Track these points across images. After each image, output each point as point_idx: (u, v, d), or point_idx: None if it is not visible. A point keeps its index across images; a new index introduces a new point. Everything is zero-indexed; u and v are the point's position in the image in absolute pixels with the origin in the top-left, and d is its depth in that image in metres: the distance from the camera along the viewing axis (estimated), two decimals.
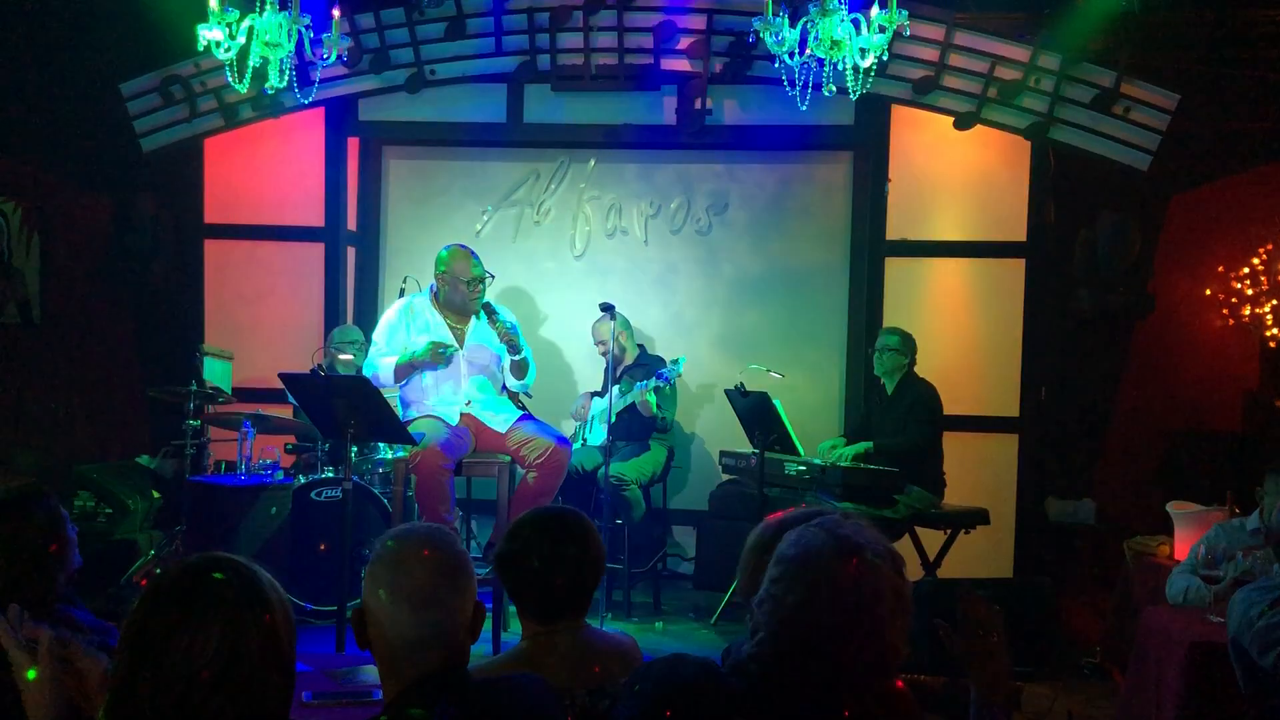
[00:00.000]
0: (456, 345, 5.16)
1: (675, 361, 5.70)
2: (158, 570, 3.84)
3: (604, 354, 5.88)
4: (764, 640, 1.62)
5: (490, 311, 5.18)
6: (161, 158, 6.50)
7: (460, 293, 5.16)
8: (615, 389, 5.65)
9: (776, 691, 1.60)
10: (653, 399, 5.72)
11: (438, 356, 5.01)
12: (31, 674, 1.93)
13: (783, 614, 1.59)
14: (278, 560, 5.14)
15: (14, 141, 6.86)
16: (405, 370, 5.08)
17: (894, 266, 6.33)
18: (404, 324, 5.22)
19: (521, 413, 5.38)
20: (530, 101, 6.46)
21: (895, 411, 5.55)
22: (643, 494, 5.77)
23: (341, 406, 4.26)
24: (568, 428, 6.11)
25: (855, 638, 1.56)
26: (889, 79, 5.81)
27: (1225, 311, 6.57)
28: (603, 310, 5.46)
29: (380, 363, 5.12)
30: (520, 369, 5.27)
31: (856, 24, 4.56)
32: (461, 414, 5.18)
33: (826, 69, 4.78)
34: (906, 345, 5.63)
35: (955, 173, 6.26)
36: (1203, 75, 6.13)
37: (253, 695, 1.42)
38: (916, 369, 5.67)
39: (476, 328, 5.28)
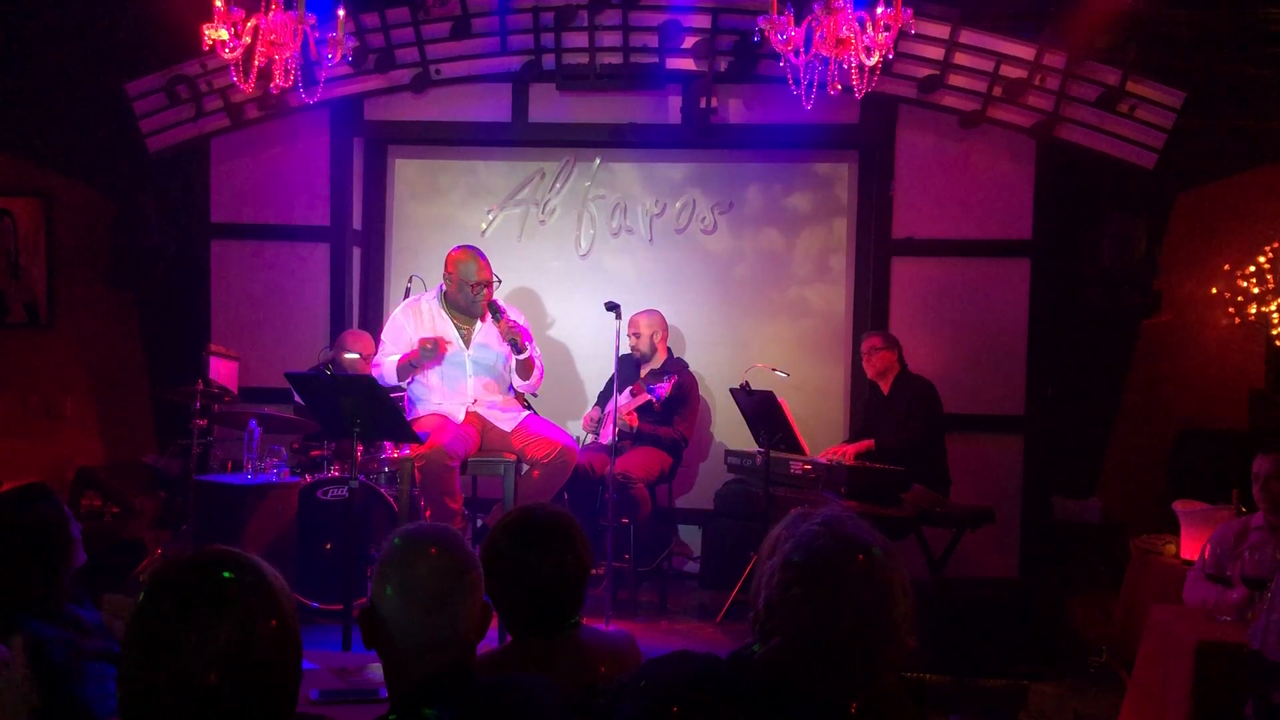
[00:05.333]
0: (462, 345, 5.18)
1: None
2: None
3: (635, 348, 6.01)
4: (781, 645, 1.61)
5: (496, 311, 5.18)
6: (167, 157, 6.50)
7: (466, 294, 5.17)
8: (628, 391, 5.66)
9: (785, 690, 1.59)
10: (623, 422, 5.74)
11: (429, 353, 5.06)
12: None
13: (801, 620, 1.59)
14: (284, 559, 5.14)
15: (21, 141, 6.88)
16: (407, 370, 5.15)
17: (899, 265, 6.32)
18: (410, 324, 5.24)
19: (528, 413, 5.38)
20: (535, 101, 6.46)
21: (895, 410, 5.55)
22: (649, 492, 5.77)
23: (347, 406, 4.26)
24: (574, 428, 6.10)
25: (873, 636, 1.57)
26: (894, 77, 5.81)
27: (1231, 310, 6.55)
28: (608, 309, 5.45)
29: (385, 362, 5.20)
30: (524, 369, 5.27)
31: (862, 22, 4.55)
32: (468, 412, 5.19)
33: (831, 67, 4.77)
34: (890, 341, 5.63)
35: (960, 171, 6.25)
36: (1208, 73, 6.11)
37: (263, 690, 1.42)
38: (920, 367, 5.66)
39: (483, 327, 5.29)
